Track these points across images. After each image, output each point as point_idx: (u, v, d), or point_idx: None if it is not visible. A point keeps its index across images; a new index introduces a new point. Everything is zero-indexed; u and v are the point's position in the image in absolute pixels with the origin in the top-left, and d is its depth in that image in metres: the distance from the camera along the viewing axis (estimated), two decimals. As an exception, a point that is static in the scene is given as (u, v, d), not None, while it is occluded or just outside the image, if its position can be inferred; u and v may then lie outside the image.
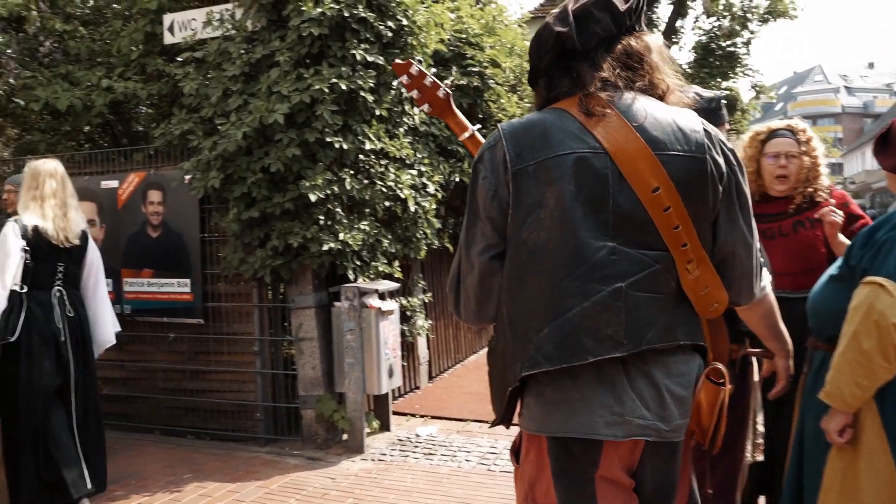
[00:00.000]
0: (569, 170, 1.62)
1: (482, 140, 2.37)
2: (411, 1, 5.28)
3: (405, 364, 6.18)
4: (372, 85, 5.02)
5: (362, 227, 5.21)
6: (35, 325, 4.10)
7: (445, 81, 2.55)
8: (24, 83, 6.56)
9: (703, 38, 19.98)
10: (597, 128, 1.64)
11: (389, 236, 5.57)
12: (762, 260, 2.44)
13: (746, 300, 1.81)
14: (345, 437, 5.29)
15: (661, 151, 1.62)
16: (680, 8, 19.58)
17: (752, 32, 19.35)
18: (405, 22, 5.22)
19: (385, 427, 5.59)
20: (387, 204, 5.53)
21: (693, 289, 1.67)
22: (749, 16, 19.08)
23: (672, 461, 1.71)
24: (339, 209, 5.07)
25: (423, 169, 5.88)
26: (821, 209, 3.08)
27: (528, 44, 7.15)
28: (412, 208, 5.64)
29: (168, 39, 5.88)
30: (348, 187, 5.04)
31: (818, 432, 2.31)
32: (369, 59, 4.99)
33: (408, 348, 6.36)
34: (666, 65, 1.77)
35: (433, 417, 6.00)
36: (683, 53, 21.39)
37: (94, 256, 4.47)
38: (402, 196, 5.47)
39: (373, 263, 5.38)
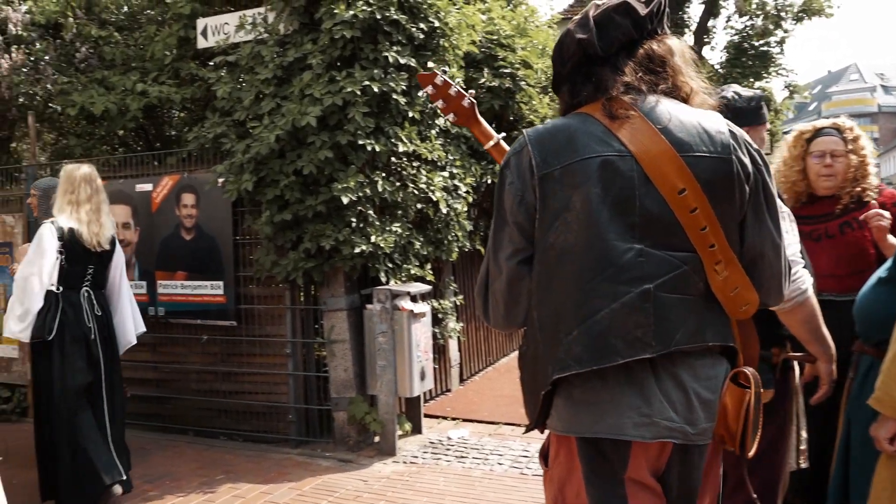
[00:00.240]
0: (594, 173, 1.62)
1: (507, 148, 2.38)
2: (443, 3, 5.27)
3: (436, 366, 6.16)
4: (404, 87, 5.01)
5: (394, 229, 5.20)
6: (68, 325, 4.26)
7: (471, 91, 2.54)
8: (61, 88, 6.66)
9: (736, 37, 19.77)
10: (621, 131, 1.65)
11: (421, 238, 5.56)
12: (803, 262, 2.40)
13: (776, 301, 1.79)
14: (376, 439, 5.29)
15: (687, 153, 1.63)
16: (712, 7, 19.36)
17: (785, 31, 19.09)
18: (437, 24, 5.21)
19: (416, 430, 5.58)
20: (418, 206, 5.52)
21: (722, 290, 1.67)
22: (783, 14, 18.81)
23: (697, 466, 1.70)
24: (371, 211, 5.07)
25: (454, 171, 5.86)
26: (867, 211, 3.01)
27: (559, 44, 7.06)
28: (444, 210, 5.63)
29: (201, 44, 5.93)
30: (380, 189, 5.04)
31: (866, 439, 2.25)
32: (401, 61, 4.98)
33: (439, 351, 6.34)
34: (689, 67, 1.77)
35: (465, 420, 5.97)
36: (715, 53, 21.13)
37: (119, 259, 4.62)
38: (434, 198, 5.46)
39: (404, 266, 5.37)
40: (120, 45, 6.91)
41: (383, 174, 5.16)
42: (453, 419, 6.02)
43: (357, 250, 4.91)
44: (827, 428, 2.92)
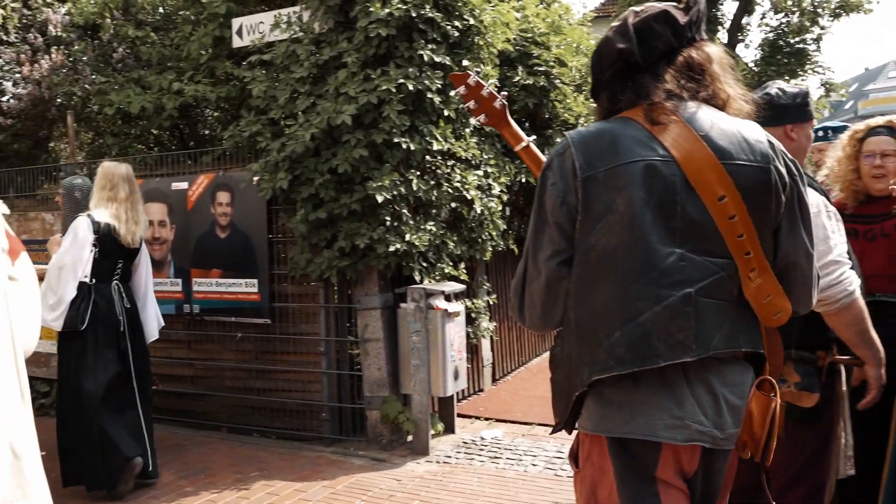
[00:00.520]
0: (638, 177, 1.63)
1: (537, 151, 2.43)
2: (478, 0, 5.23)
3: (469, 366, 6.13)
4: (439, 85, 4.99)
5: (428, 228, 5.18)
6: (99, 316, 4.45)
7: (503, 93, 2.53)
8: (99, 88, 6.74)
9: (771, 34, 19.47)
10: (664, 136, 1.66)
11: (455, 238, 5.53)
12: (850, 262, 2.34)
13: (805, 309, 1.80)
14: (409, 438, 5.28)
15: (728, 161, 1.64)
16: (746, 5, 19.09)
17: (822, 28, 18.75)
18: (472, 21, 5.18)
19: (449, 429, 5.55)
20: (452, 205, 5.49)
21: (755, 297, 1.69)
22: (820, 10, 18.48)
23: (721, 470, 1.73)
24: (405, 210, 5.06)
25: (489, 170, 5.83)
26: None
27: (593, 42, 7.03)
28: (478, 209, 5.60)
29: (237, 43, 5.96)
30: (415, 188, 5.02)
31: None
32: (437, 59, 4.96)
33: (471, 350, 6.31)
34: (727, 74, 1.78)
35: (497, 420, 5.93)
36: (749, 51, 20.85)
37: (145, 256, 4.83)
38: (469, 197, 5.43)
39: (438, 265, 5.35)
40: (156, 45, 6.98)
41: (418, 173, 5.14)
42: (486, 419, 5.99)
43: (391, 249, 4.90)
44: (876, 435, 2.85)
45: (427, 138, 5.05)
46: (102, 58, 7.16)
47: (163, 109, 6.31)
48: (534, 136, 2.48)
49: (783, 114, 2.60)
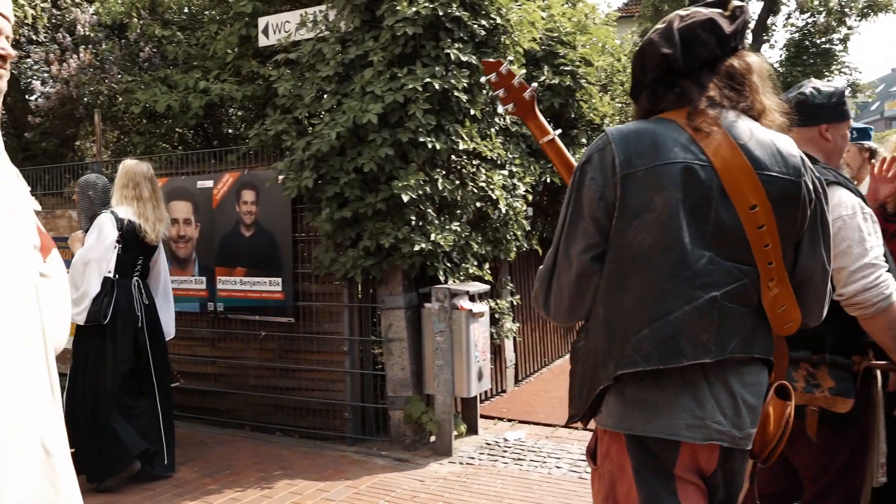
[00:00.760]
0: (677, 178, 1.66)
1: (562, 146, 2.41)
2: (505, -1, 5.21)
3: (492, 367, 6.10)
4: (465, 85, 4.96)
5: (453, 227, 5.16)
6: (120, 312, 4.54)
7: (533, 84, 2.52)
8: (126, 87, 6.79)
9: (796, 35, 19.24)
10: (704, 142, 1.69)
11: (479, 238, 5.50)
12: (887, 265, 2.28)
13: (815, 322, 1.85)
14: (432, 439, 5.25)
15: (762, 171, 1.67)
16: (772, 5, 18.90)
17: (849, 28, 18.50)
18: (499, 20, 5.15)
19: (473, 430, 5.53)
20: (477, 205, 5.46)
21: (771, 306, 1.72)
22: (847, 10, 18.23)
23: (741, 469, 1.77)
24: (430, 210, 5.04)
25: (514, 169, 5.80)
26: None
27: (618, 42, 6.97)
28: (503, 209, 5.56)
29: (262, 42, 5.97)
30: (440, 188, 5.00)
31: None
32: (463, 58, 4.93)
33: (495, 351, 6.29)
34: (765, 85, 1.80)
35: (520, 422, 5.90)
36: (774, 51, 20.63)
37: (163, 254, 4.93)
38: (494, 197, 5.40)
39: (463, 265, 5.33)
40: (182, 45, 7.02)
41: (443, 172, 5.12)
42: (509, 420, 5.96)
43: (416, 248, 4.88)
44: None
45: (453, 137, 5.02)
46: (129, 57, 7.22)
47: (188, 108, 6.34)
48: (559, 130, 2.48)
49: (818, 114, 2.55)
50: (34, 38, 7.74)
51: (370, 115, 4.77)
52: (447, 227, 5.13)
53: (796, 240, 1.73)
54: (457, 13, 4.91)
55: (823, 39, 18.84)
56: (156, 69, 6.99)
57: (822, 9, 18.52)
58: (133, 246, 4.61)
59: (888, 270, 2.28)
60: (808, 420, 2.45)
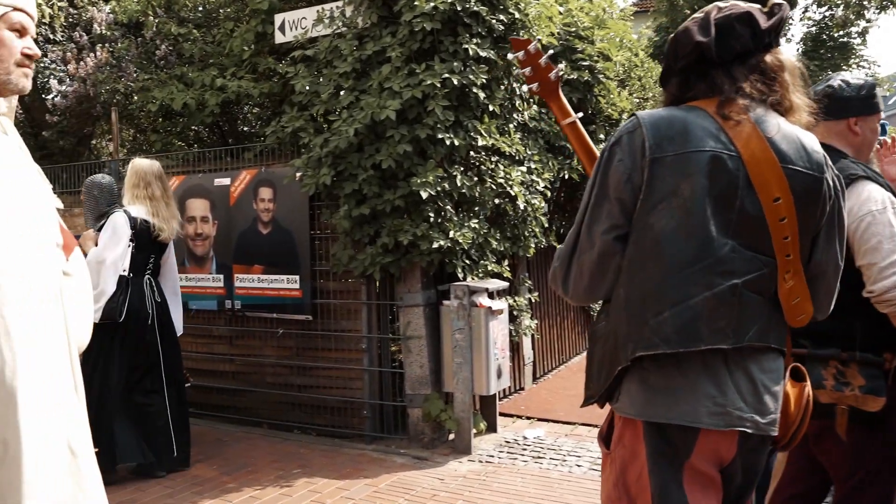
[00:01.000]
0: (705, 166, 1.67)
1: (582, 129, 2.43)
2: (522, -7, 5.17)
3: (510, 364, 6.06)
4: (484, 80, 4.92)
5: (472, 224, 5.12)
6: (132, 309, 4.57)
7: (559, 65, 2.52)
8: (142, 85, 6.79)
9: (813, 28, 19.05)
10: (733, 132, 1.71)
11: (498, 234, 5.46)
12: None
13: (823, 316, 1.88)
14: (451, 437, 5.23)
15: (787, 165, 1.70)
16: (789, -2, 18.71)
17: (868, 21, 18.29)
18: (517, 15, 5.11)
19: (492, 428, 5.49)
20: (496, 201, 5.42)
21: (786, 298, 1.76)
22: (866, 3, 18.02)
23: (762, 455, 1.79)
24: (448, 206, 5.00)
25: (532, 166, 5.75)
26: None
27: (635, 37, 6.90)
28: (521, 206, 5.52)
29: (279, 39, 5.95)
30: (459, 184, 4.96)
31: None
32: (482, 53, 4.89)
33: (513, 348, 6.25)
34: (796, 83, 1.82)
35: (539, 420, 5.87)
36: (791, 45, 20.43)
37: (171, 252, 4.94)
38: (513, 193, 5.36)
39: (482, 262, 5.29)
40: (198, 42, 7.01)
41: (461, 168, 5.09)
42: (528, 418, 5.92)
43: (435, 246, 4.85)
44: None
45: (471, 134, 4.98)
46: (145, 55, 7.22)
47: (204, 106, 6.33)
48: (581, 113, 2.49)
49: (846, 107, 2.51)
50: (51, 37, 7.76)
51: (388, 111, 4.73)
52: (466, 223, 5.09)
53: (813, 234, 1.76)
54: (475, 8, 4.87)
55: (841, 33, 18.64)
56: (172, 67, 6.99)
57: (840, 2, 18.32)
58: (146, 244, 4.65)
59: None
60: (837, 419, 2.41)
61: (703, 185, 1.67)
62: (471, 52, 4.85)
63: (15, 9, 1.87)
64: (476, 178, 5.21)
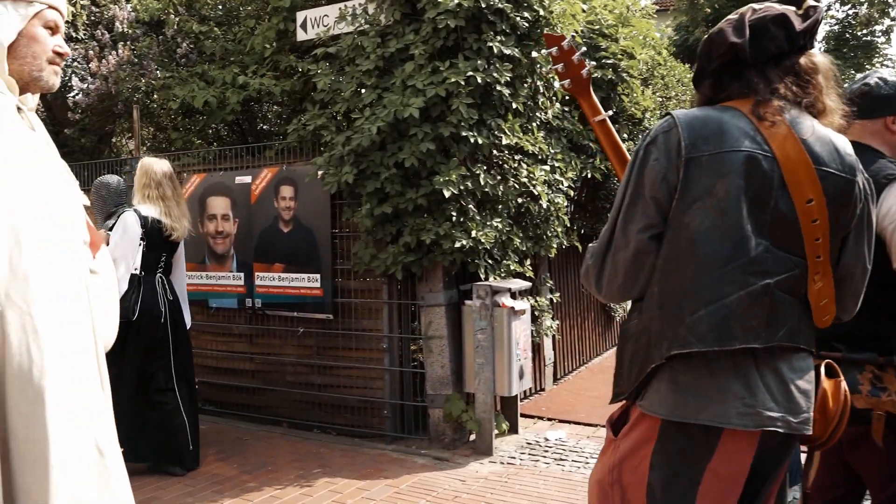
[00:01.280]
0: (740, 166, 1.68)
1: (612, 128, 2.46)
2: (547, -10, 5.11)
3: (531, 365, 6.02)
4: (508, 78, 4.87)
5: (494, 223, 5.08)
6: (144, 308, 4.59)
7: (591, 62, 2.54)
8: (163, 83, 6.80)
9: (836, 27, 18.85)
10: (768, 133, 1.72)
11: (520, 234, 5.41)
12: None
13: (848, 317, 1.89)
14: (472, 437, 5.18)
15: (821, 167, 1.71)
16: (811, -4, 18.50)
17: (893, 20, 18.06)
18: (542, 12, 5.05)
19: (513, 429, 5.44)
20: (518, 200, 5.37)
21: (815, 299, 1.76)
22: (891, 1, 17.79)
23: (790, 454, 1.81)
24: (471, 205, 4.96)
25: (555, 164, 5.69)
26: None
27: (658, 35, 6.81)
28: (544, 205, 5.46)
29: (301, 36, 5.92)
30: (482, 183, 4.92)
31: None
32: (505, 51, 4.84)
33: (534, 349, 6.19)
34: (830, 86, 1.83)
35: (560, 421, 5.81)
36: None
37: (181, 251, 4.96)
38: (536, 192, 5.30)
39: (504, 262, 5.24)
40: (219, 40, 7.00)
41: (485, 167, 5.04)
42: (549, 420, 5.87)
43: (457, 245, 4.81)
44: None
45: (495, 132, 4.93)
46: (167, 53, 7.23)
47: (225, 104, 6.32)
48: (611, 111, 2.49)
49: (884, 105, 2.43)
50: (73, 35, 7.79)
51: (412, 109, 4.69)
52: (488, 222, 5.04)
53: (842, 237, 1.78)
54: (499, 5, 4.82)
55: (865, 31, 18.43)
56: (193, 65, 6.99)
57: (863, 0, 18.11)
58: (157, 243, 4.67)
59: None
60: (874, 425, 2.34)
61: (738, 185, 1.68)
62: (495, 50, 4.80)
63: (50, 7, 1.87)
64: (499, 177, 5.16)
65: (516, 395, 5.40)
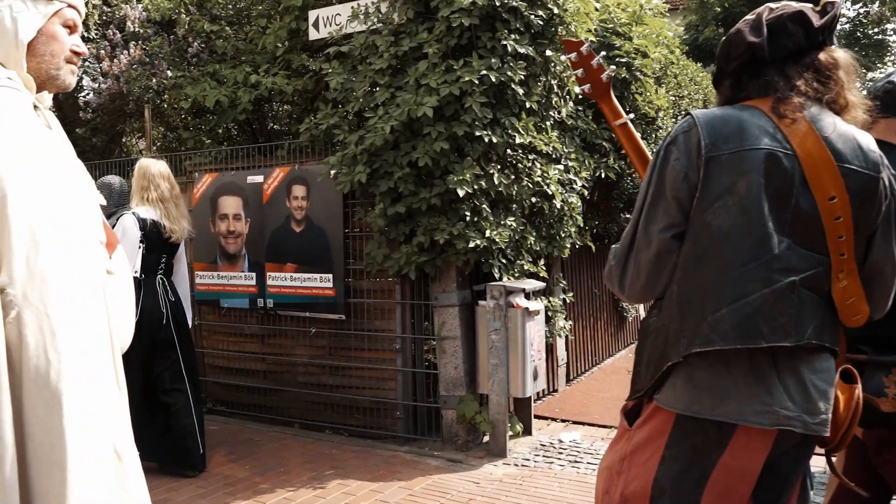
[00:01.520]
0: (761, 164, 1.68)
1: (634, 130, 2.48)
2: (561, -12, 5.07)
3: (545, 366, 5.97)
4: (522, 77, 4.83)
5: (508, 223, 5.03)
6: (145, 310, 4.56)
7: (611, 66, 2.56)
8: (175, 82, 6.79)
9: (847, 25, 18.75)
10: (789, 130, 1.71)
11: (534, 234, 5.37)
12: None
13: (879, 315, 1.87)
14: (485, 439, 5.15)
15: (843, 164, 1.70)
16: (822, -5, 18.41)
17: (905, 18, 17.95)
18: (556, 10, 5.00)
19: (527, 431, 5.40)
20: (532, 200, 5.33)
21: (841, 297, 1.76)
22: (903, 0, 17.70)
23: (809, 454, 1.81)
24: (485, 205, 4.92)
25: (569, 164, 5.65)
26: None
27: (671, 34, 6.76)
28: (558, 205, 5.42)
29: (313, 35, 5.89)
30: (496, 182, 4.88)
31: None
32: (520, 50, 4.80)
33: (547, 350, 6.15)
34: (851, 81, 1.82)
35: (574, 423, 5.77)
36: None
37: (182, 252, 4.94)
38: (550, 192, 5.26)
39: (517, 262, 5.20)
40: (231, 39, 6.99)
41: (498, 166, 5.00)
42: (563, 421, 5.82)
43: (471, 245, 4.77)
44: None
45: (509, 131, 4.89)
46: (178, 52, 7.21)
47: (237, 103, 6.31)
48: (632, 115, 2.50)
49: None
50: (85, 34, 7.78)
51: (425, 108, 4.65)
52: (502, 222, 5.00)
53: (869, 234, 1.76)
54: (513, 3, 4.77)
55: (876, 30, 18.31)
56: (204, 64, 6.97)
57: (875, -1, 18.03)
58: (157, 245, 4.65)
59: None
60: (900, 429, 2.30)
61: (759, 183, 1.68)
62: (509, 48, 4.76)
63: (69, 5, 1.86)
64: (513, 177, 5.12)
65: (530, 397, 5.35)
